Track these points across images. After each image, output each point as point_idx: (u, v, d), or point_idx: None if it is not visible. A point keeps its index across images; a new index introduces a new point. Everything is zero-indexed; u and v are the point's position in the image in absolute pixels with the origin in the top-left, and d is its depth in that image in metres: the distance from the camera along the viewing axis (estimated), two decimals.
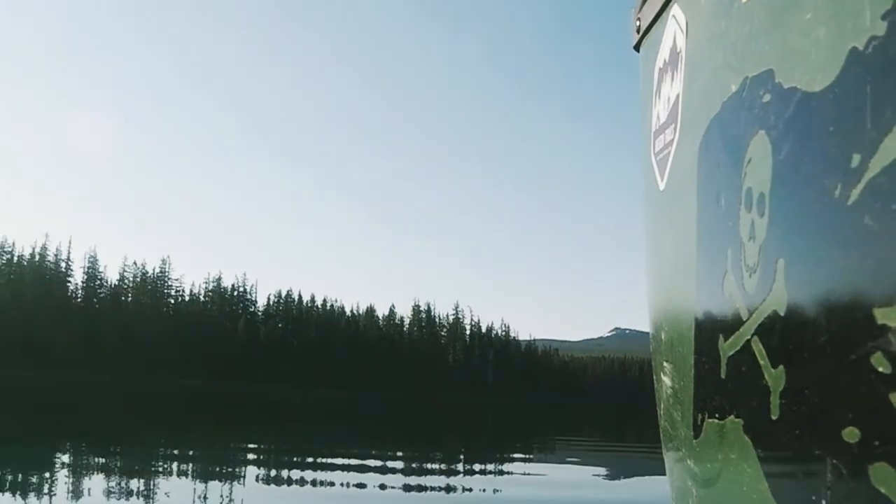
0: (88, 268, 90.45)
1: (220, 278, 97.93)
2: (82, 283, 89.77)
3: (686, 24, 0.90)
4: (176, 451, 10.98)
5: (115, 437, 13.09)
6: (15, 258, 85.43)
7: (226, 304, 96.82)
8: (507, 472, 10.46)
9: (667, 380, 1.00)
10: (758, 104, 0.66)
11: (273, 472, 9.17)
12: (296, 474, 8.50)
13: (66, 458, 9.51)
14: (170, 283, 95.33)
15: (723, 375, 0.74)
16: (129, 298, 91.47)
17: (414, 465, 10.49)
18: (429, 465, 10.87)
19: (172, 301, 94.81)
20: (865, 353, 0.47)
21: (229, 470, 9.22)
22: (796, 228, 0.57)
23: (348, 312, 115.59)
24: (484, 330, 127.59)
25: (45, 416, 18.48)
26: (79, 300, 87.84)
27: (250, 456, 11.25)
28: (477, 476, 9.76)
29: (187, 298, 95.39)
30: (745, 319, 0.67)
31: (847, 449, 0.49)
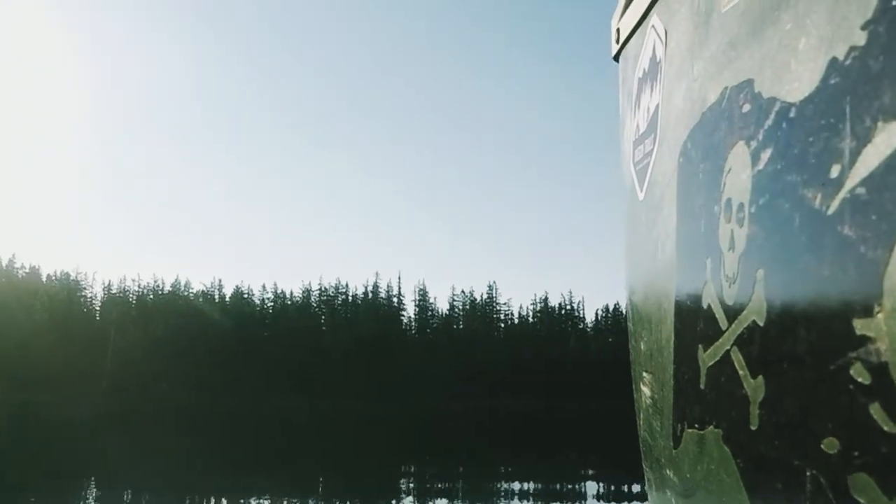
0: (419, 300, 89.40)
1: (546, 298, 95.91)
2: (415, 315, 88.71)
3: (665, 33, 0.91)
4: None
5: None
6: (350, 297, 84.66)
7: (554, 323, 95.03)
8: None
9: (646, 390, 0.99)
10: (737, 114, 0.66)
11: None
12: None
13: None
14: (498, 308, 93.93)
15: (702, 385, 0.74)
16: (461, 326, 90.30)
17: None
18: None
19: (502, 325, 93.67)
20: (845, 364, 0.47)
21: None
22: (776, 238, 0.57)
23: None
24: None
25: (484, 448, 19.25)
26: (413, 332, 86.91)
27: None
28: None
29: (516, 321, 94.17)
30: (724, 329, 0.67)
31: (827, 459, 0.49)
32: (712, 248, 0.70)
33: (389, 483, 11.63)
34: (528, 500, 9.35)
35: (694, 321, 0.76)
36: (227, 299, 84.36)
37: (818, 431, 0.50)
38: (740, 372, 0.63)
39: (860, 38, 0.47)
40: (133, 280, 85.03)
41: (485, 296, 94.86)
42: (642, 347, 1.01)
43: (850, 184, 0.47)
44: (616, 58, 1.18)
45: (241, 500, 9.59)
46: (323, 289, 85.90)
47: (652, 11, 0.98)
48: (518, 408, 57.16)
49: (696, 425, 0.76)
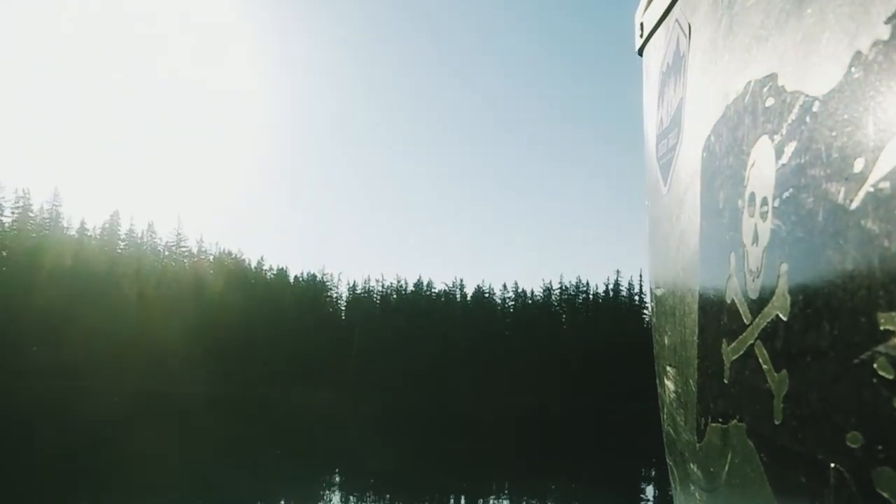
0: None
1: None
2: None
3: (689, 27, 0.90)
4: None
5: None
6: (590, 297, 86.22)
7: None
8: None
9: (670, 384, 0.99)
10: (761, 108, 0.66)
11: None
12: None
13: None
14: None
15: (726, 380, 0.74)
16: None
17: None
18: None
19: None
20: (869, 358, 0.47)
21: None
22: (799, 232, 0.57)
23: None
24: None
25: None
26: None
27: None
28: None
29: None
30: (748, 324, 0.67)
31: (850, 453, 0.49)
32: (736, 243, 0.70)
33: None
34: None
35: (717, 315, 0.76)
36: (469, 298, 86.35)
37: (842, 426, 0.50)
38: (764, 366, 0.63)
39: (884, 32, 0.47)
40: (377, 280, 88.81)
41: None
42: (666, 342, 1.01)
43: (873, 178, 0.47)
44: (640, 52, 1.18)
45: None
46: (563, 287, 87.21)
47: (675, 5, 0.97)
48: None
49: (720, 419, 0.76)
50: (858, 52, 0.50)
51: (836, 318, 0.52)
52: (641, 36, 1.15)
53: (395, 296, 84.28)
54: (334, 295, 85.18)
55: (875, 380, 0.46)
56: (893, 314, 0.45)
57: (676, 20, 0.96)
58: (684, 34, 0.92)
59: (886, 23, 0.47)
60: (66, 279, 60.40)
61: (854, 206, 0.49)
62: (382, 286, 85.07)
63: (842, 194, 0.51)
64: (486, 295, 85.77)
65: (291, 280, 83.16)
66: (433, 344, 73.41)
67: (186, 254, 77.30)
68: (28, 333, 55.89)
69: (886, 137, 0.46)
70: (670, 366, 0.99)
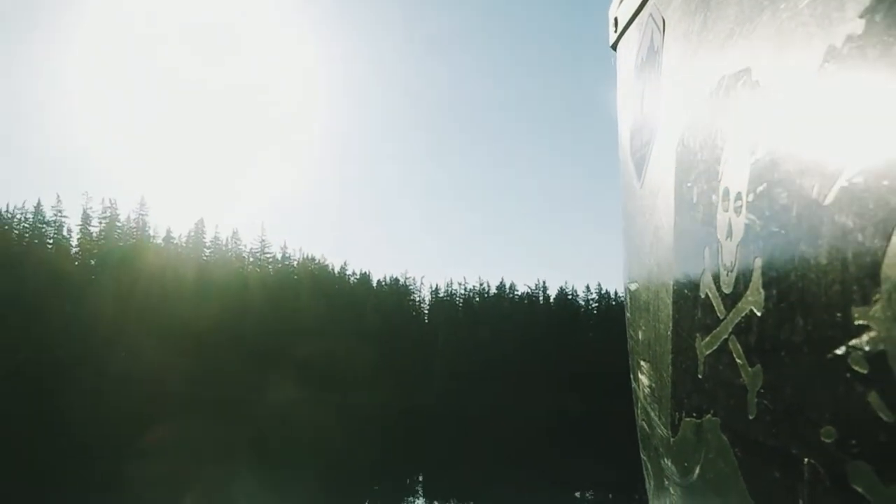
0: None
1: None
2: None
3: (663, 22, 0.90)
4: None
5: None
6: None
7: None
8: None
9: (644, 378, 1.00)
10: (735, 103, 0.66)
11: None
12: None
13: None
14: None
15: (700, 374, 0.74)
16: None
17: None
18: None
19: None
20: (843, 353, 0.47)
21: None
22: (773, 227, 0.57)
23: None
24: None
25: None
26: None
27: None
28: None
29: None
30: (722, 318, 0.67)
31: (824, 448, 0.49)
32: (710, 237, 0.70)
33: None
34: None
35: (692, 310, 0.76)
36: (552, 301, 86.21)
37: (816, 420, 0.51)
38: (738, 361, 0.63)
39: (858, 27, 0.47)
40: (459, 283, 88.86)
41: None
42: (640, 336, 1.01)
43: (847, 173, 0.47)
44: (614, 46, 1.18)
45: None
46: None
47: (649, 0, 0.97)
48: None
49: (695, 414, 0.76)
50: (832, 47, 0.50)
51: (809, 312, 0.52)
52: (616, 30, 1.15)
53: (477, 299, 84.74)
54: (417, 299, 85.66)
55: (849, 374, 0.47)
56: (867, 309, 0.45)
57: (650, 15, 0.96)
58: (658, 29, 0.92)
59: (860, 17, 0.47)
60: (153, 286, 60.37)
61: (828, 200, 0.49)
62: (465, 289, 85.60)
63: (816, 189, 0.50)
64: (570, 297, 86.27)
65: (374, 284, 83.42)
66: (516, 346, 73.72)
67: (271, 260, 77.48)
68: (116, 339, 55.66)
69: (860, 132, 0.46)
70: (644, 360, 0.99)
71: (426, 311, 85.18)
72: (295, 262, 78.98)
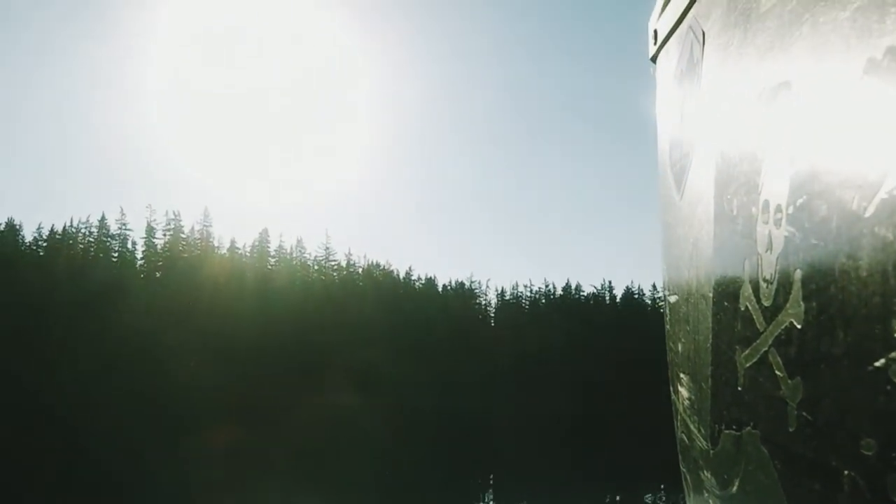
0: None
1: None
2: None
3: (703, 34, 0.90)
4: None
5: None
6: None
7: None
8: None
9: (683, 391, 0.99)
10: (775, 115, 0.66)
11: None
12: None
13: None
14: None
15: (740, 387, 0.73)
16: None
17: None
18: None
19: None
20: (883, 365, 0.47)
21: None
22: (813, 240, 0.57)
23: None
24: None
25: None
26: None
27: None
28: None
29: None
30: (762, 331, 0.67)
31: (864, 460, 0.49)
32: (750, 250, 0.70)
33: None
34: None
35: (731, 322, 0.76)
36: (618, 300, 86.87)
37: (856, 433, 0.50)
38: (778, 373, 0.63)
39: None
40: (525, 286, 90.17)
41: None
42: (679, 349, 1.01)
43: (887, 185, 0.47)
44: (653, 59, 1.18)
45: None
46: None
47: (689, 12, 0.97)
48: None
49: (734, 426, 0.76)
50: (873, 59, 0.50)
51: (849, 325, 0.52)
52: (655, 43, 1.16)
53: (543, 301, 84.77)
54: (483, 302, 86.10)
55: (889, 387, 0.46)
56: None
57: (690, 27, 0.97)
58: (698, 41, 0.92)
59: None
60: (219, 297, 61.61)
61: (868, 213, 0.49)
62: (531, 291, 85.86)
63: (856, 201, 0.51)
64: (636, 296, 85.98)
65: (440, 289, 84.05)
66: (581, 346, 73.48)
67: (335, 267, 78.33)
68: (185, 348, 56.90)
69: None
70: (684, 373, 0.98)
71: (492, 315, 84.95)
72: (360, 269, 79.49)
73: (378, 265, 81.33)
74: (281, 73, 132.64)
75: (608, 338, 75.57)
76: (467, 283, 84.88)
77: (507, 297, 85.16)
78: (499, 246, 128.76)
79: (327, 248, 77.56)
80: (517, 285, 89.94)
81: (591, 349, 73.32)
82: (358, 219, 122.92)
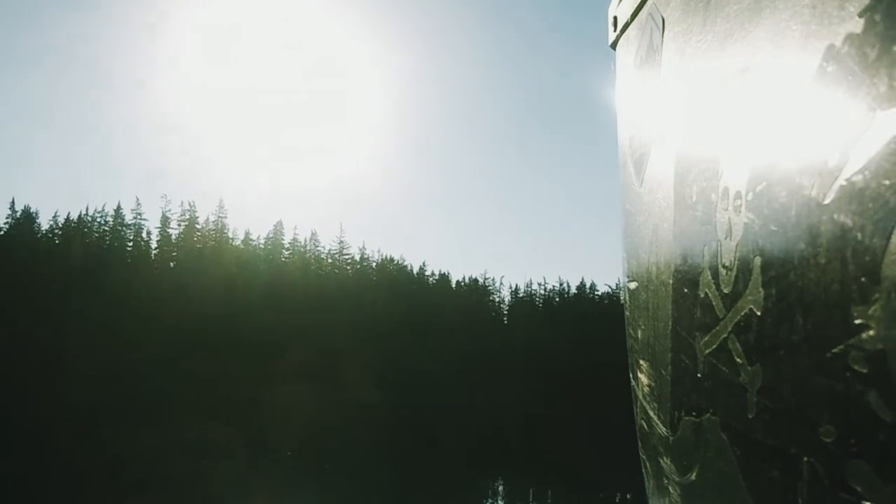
0: None
1: None
2: None
3: (662, 21, 0.90)
4: None
5: None
6: None
7: None
8: None
9: (643, 378, 1.00)
10: (734, 102, 0.66)
11: None
12: None
13: None
14: None
15: (699, 374, 0.74)
16: None
17: None
18: None
19: None
20: (842, 352, 0.47)
21: None
22: (773, 226, 0.57)
23: None
24: None
25: None
26: None
27: None
28: None
29: None
30: (721, 317, 0.67)
31: (824, 447, 0.49)
32: (710, 236, 0.70)
33: None
34: None
35: (691, 309, 0.76)
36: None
37: (815, 419, 0.51)
38: (737, 360, 0.63)
39: (857, 26, 0.47)
40: (539, 284, 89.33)
41: None
42: (639, 335, 1.01)
43: (846, 172, 0.47)
44: (613, 46, 1.18)
45: None
46: None
47: None
48: None
49: (694, 413, 0.76)
50: (832, 46, 0.50)
51: (809, 311, 0.52)
52: (615, 30, 1.15)
53: (557, 299, 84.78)
54: (496, 299, 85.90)
55: (848, 374, 0.47)
56: (866, 308, 0.45)
57: (650, 14, 0.96)
58: (658, 28, 0.92)
59: (860, 16, 0.47)
60: (232, 288, 60.65)
61: (827, 199, 0.49)
62: (545, 289, 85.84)
63: (815, 188, 0.50)
64: None
65: (453, 285, 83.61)
66: (596, 346, 73.86)
67: (349, 261, 77.55)
68: (195, 340, 55.92)
69: (859, 131, 0.46)
70: (643, 359, 0.99)
71: (506, 312, 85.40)
72: (374, 263, 79.16)
73: (392, 259, 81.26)
74: (299, 65, 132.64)
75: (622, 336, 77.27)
76: (481, 280, 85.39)
77: (521, 295, 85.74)
78: (513, 245, 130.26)
79: (341, 242, 77.31)
80: (531, 283, 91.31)
81: (601, 346, 74.50)
82: (372, 213, 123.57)
